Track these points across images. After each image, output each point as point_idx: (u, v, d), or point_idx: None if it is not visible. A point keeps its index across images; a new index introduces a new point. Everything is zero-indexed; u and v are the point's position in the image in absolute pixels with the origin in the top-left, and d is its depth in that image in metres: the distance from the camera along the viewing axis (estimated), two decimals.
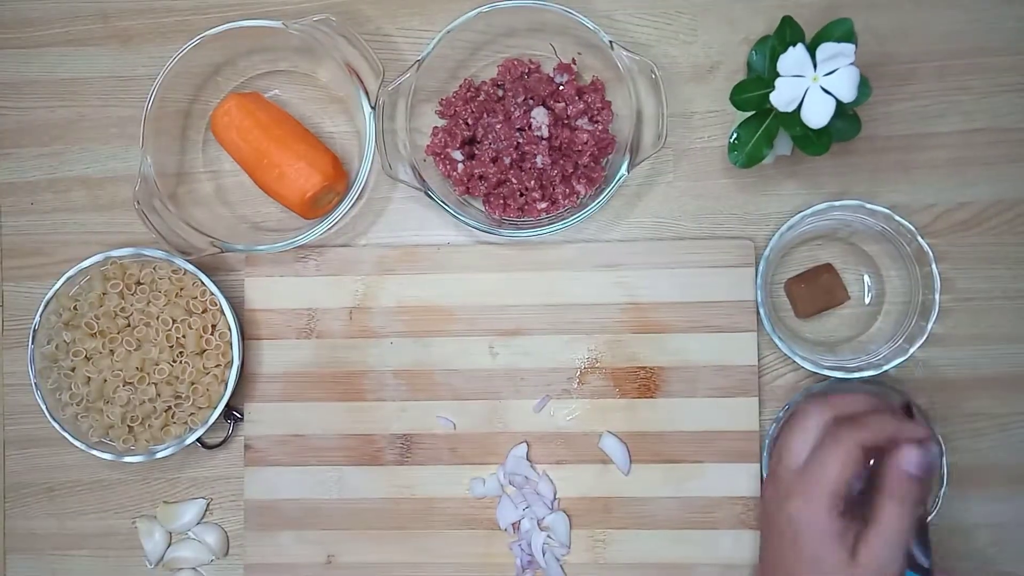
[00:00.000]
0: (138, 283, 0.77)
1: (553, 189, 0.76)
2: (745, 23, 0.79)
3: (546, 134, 0.75)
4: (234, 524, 0.80)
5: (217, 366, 0.76)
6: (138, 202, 0.74)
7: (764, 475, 0.74)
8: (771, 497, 0.64)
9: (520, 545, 0.76)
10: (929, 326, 0.73)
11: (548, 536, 0.76)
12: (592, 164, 0.76)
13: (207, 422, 0.75)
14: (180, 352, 0.76)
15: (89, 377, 0.75)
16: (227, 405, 0.75)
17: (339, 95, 0.81)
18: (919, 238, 0.73)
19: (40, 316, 0.75)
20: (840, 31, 0.67)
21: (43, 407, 0.75)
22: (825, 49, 0.65)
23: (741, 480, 0.76)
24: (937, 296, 0.73)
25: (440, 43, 0.74)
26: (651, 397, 0.77)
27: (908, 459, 0.59)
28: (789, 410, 0.74)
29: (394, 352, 0.78)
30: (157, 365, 0.75)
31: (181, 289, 0.76)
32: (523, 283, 0.78)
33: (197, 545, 0.79)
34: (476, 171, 0.75)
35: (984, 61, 0.78)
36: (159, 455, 0.75)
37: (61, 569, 0.81)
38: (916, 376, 0.76)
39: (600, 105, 0.76)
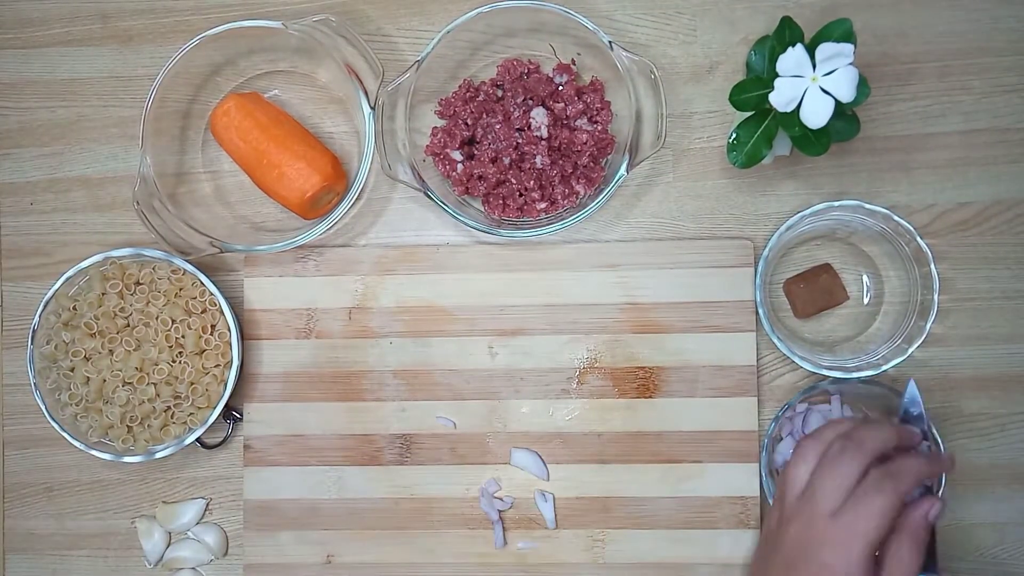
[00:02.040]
0: (137, 283, 0.77)
1: (552, 189, 0.76)
2: (744, 23, 0.79)
3: (545, 134, 0.75)
4: (233, 524, 0.80)
5: (216, 366, 0.76)
6: (138, 202, 0.74)
7: (763, 478, 0.74)
8: (799, 539, 0.62)
9: (486, 500, 0.76)
10: (928, 326, 0.73)
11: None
12: (591, 164, 0.76)
13: (206, 422, 0.75)
14: (179, 352, 0.76)
15: (88, 377, 0.75)
16: (226, 405, 0.75)
17: (339, 95, 0.81)
18: (918, 238, 0.73)
19: (39, 316, 0.75)
20: (839, 31, 0.67)
21: (42, 407, 0.75)
22: (824, 49, 0.65)
23: (740, 480, 0.76)
24: (936, 296, 0.73)
25: (440, 43, 0.74)
26: (650, 397, 0.77)
27: (933, 511, 0.63)
28: (789, 409, 0.74)
29: (394, 352, 0.78)
30: (156, 365, 0.75)
31: (180, 289, 0.76)
32: (522, 283, 0.78)
33: (196, 545, 0.79)
34: (475, 171, 0.75)
35: (984, 61, 0.78)
36: (158, 455, 0.75)
37: (61, 569, 0.81)
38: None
39: (599, 105, 0.76)
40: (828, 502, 0.62)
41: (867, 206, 0.73)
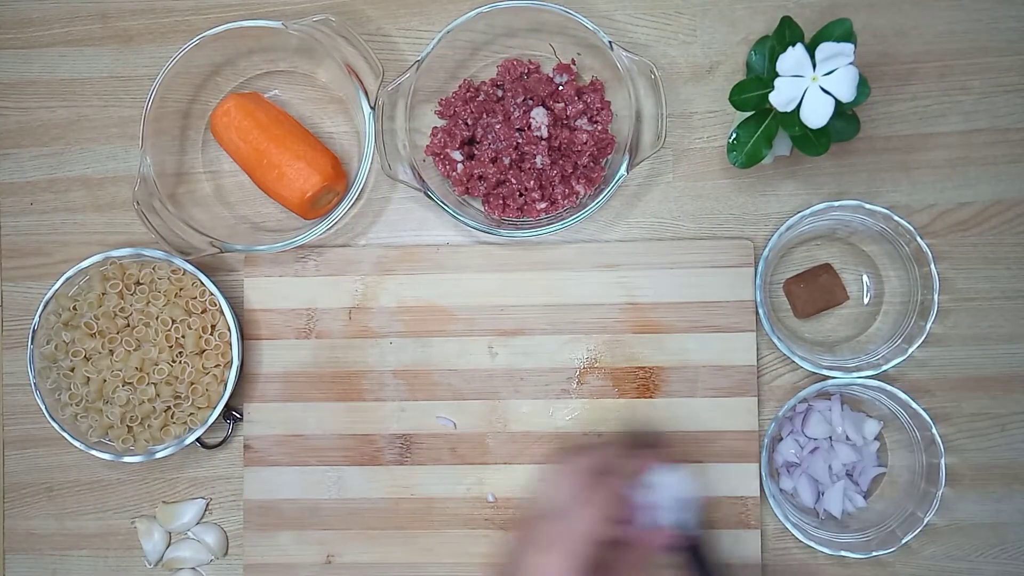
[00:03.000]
0: (137, 283, 0.77)
1: (552, 189, 0.76)
2: (744, 23, 0.79)
3: (545, 134, 0.75)
4: (233, 524, 0.80)
5: (216, 366, 0.76)
6: (138, 202, 0.74)
7: (763, 478, 0.74)
8: (519, 543, 0.62)
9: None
10: (928, 326, 0.73)
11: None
12: (591, 164, 0.76)
13: (206, 422, 0.75)
14: (179, 352, 0.76)
15: (88, 377, 0.75)
16: (226, 405, 0.75)
17: (339, 95, 0.81)
18: (918, 238, 0.73)
19: (39, 316, 0.75)
20: (839, 31, 0.67)
21: (42, 407, 0.75)
22: (824, 49, 0.65)
23: (741, 480, 0.76)
24: (936, 296, 0.73)
25: (440, 43, 0.74)
26: (650, 397, 0.77)
27: (661, 542, 0.66)
28: (787, 410, 0.74)
29: (394, 352, 0.78)
30: (156, 365, 0.75)
31: (181, 289, 0.76)
32: (522, 283, 0.78)
33: (196, 545, 0.79)
34: (475, 171, 0.75)
35: (984, 61, 0.78)
36: (158, 455, 0.75)
37: (61, 569, 0.81)
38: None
39: (599, 105, 0.76)
40: (547, 505, 0.62)
41: (867, 206, 0.73)
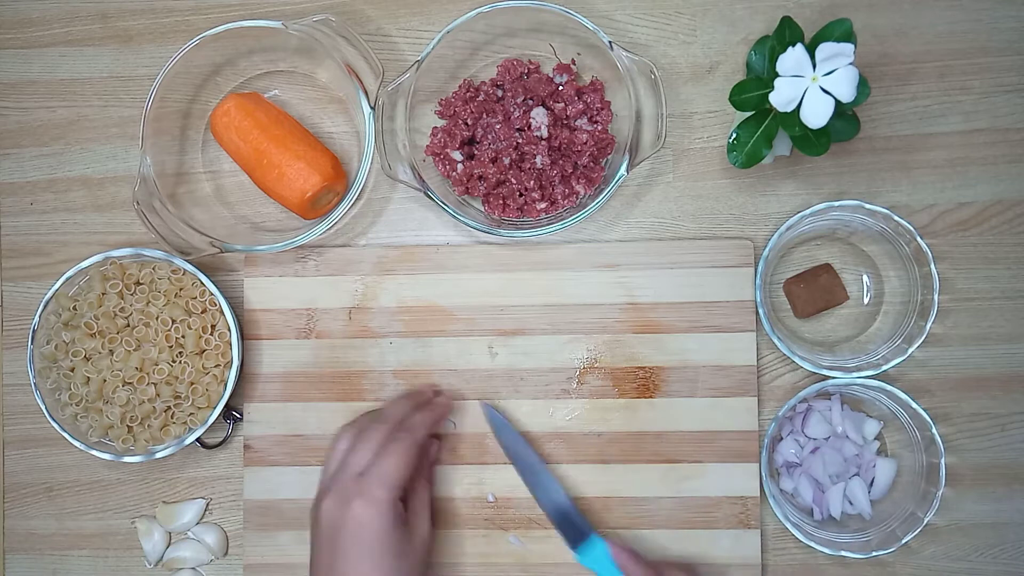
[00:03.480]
0: (137, 283, 0.77)
1: (552, 189, 0.76)
2: (744, 23, 0.79)
3: (545, 134, 0.75)
4: (233, 524, 0.80)
5: (216, 366, 0.76)
6: (138, 202, 0.74)
7: (763, 478, 0.74)
8: (334, 506, 0.66)
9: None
10: (928, 326, 0.73)
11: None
12: (591, 164, 0.76)
13: (206, 422, 0.75)
14: (179, 352, 0.76)
15: (88, 377, 0.75)
16: (226, 405, 0.75)
17: (339, 95, 0.81)
18: (918, 238, 0.73)
19: (39, 316, 0.75)
20: (839, 31, 0.67)
21: (42, 407, 0.75)
22: (824, 49, 0.65)
23: (740, 480, 0.76)
24: (936, 296, 0.73)
25: (440, 43, 0.74)
26: (650, 397, 0.77)
27: (434, 450, 0.76)
28: (787, 410, 0.74)
29: (394, 352, 0.78)
30: (156, 365, 0.75)
31: (180, 289, 0.76)
32: (522, 283, 0.78)
33: (196, 545, 0.79)
34: (475, 171, 0.75)
35: (984, 61, 0.78)
36: (158, 455, 0.75)
37: (61, 569, 0.81)
38: None
39: (599, 105, 0.76)
40: (356, 465, 0.67)
41: (867, 206, 0.73)
